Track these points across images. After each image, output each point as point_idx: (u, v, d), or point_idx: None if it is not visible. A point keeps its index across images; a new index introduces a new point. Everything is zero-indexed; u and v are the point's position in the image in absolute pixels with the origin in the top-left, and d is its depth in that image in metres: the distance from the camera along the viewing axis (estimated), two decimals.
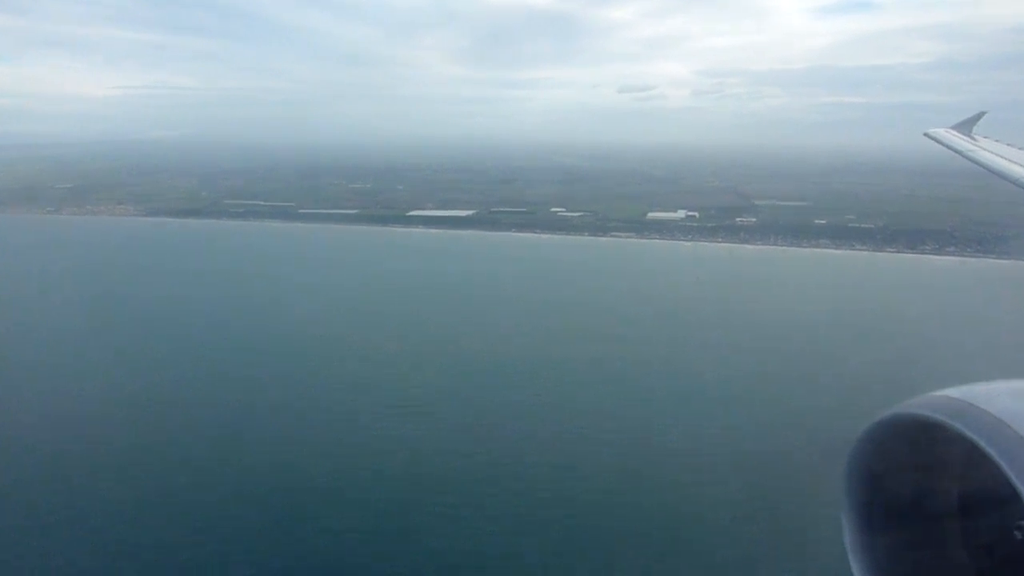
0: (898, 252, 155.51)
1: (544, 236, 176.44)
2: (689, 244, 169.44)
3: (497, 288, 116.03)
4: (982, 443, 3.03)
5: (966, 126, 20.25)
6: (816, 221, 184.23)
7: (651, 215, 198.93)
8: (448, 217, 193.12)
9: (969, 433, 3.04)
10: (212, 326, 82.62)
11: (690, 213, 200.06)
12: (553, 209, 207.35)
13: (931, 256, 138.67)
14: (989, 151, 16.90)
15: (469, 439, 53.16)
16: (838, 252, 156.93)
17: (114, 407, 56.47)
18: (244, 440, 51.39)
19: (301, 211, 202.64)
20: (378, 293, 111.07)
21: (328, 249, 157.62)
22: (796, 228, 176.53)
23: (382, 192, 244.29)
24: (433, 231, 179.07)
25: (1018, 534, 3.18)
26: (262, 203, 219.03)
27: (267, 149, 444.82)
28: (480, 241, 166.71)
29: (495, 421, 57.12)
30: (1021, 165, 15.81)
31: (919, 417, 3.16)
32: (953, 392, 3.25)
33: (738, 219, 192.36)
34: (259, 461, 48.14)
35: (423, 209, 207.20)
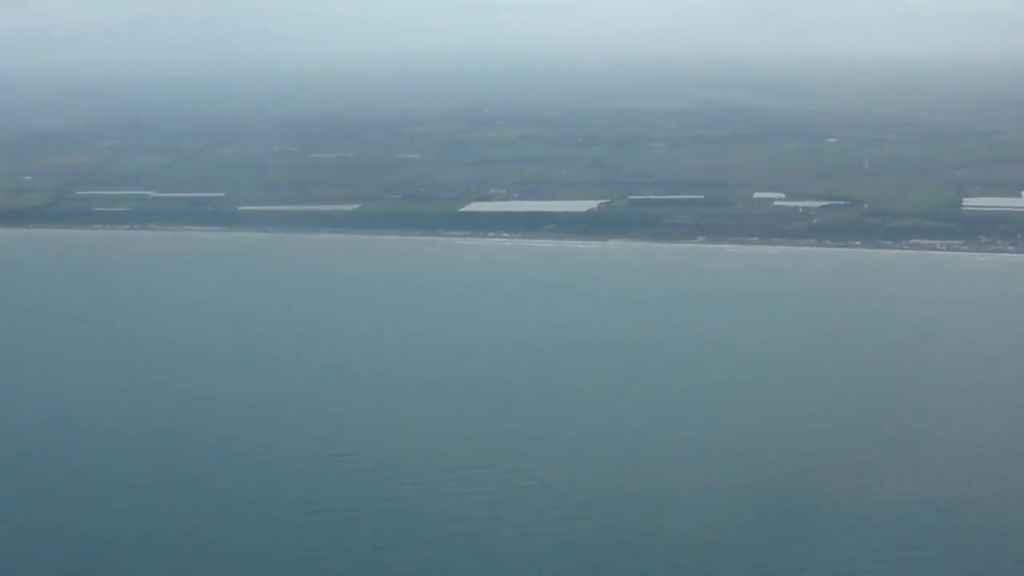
0: None
1: (776, 249, 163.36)
2: None
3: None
4: None
5: None
6: None
7: (970, 203, 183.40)
8: (549, 214, 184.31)
9: None
10: None
11: None
12: (759, 195, 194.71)
13: None
14: None
15: None
16: None
17: None
18: None
19: (244, 209, 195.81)
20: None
21: (366, 286, 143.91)
22: None
23: (384, 167, 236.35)
24: (537, 244, 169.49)
25: None
26: (153, 195, 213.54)
27: (96, 86, 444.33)
28: (653, 262, 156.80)
29: None
30: None
31: None
32: None
33: None
34: None
35: (488, 200, 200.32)
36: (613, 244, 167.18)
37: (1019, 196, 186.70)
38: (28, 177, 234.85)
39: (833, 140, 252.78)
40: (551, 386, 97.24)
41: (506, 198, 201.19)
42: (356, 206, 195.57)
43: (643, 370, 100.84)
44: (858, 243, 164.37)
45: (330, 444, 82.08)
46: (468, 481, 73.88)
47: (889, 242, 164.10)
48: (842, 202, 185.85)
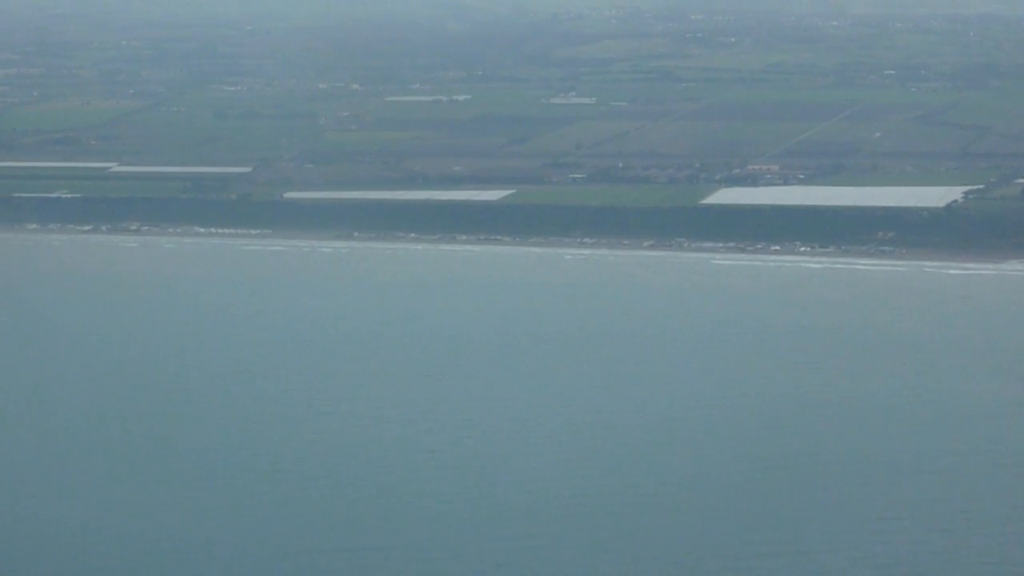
0: None
1: None
2: None
3: None
4: None
5: None
6: None
7: None
8: (876, 212, 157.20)
9: None
10: None
11: None
12: None
13: None
14: None
15: None
16: None
17: None
18: None
19: (293, 196, 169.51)
20: None
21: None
22: None
23: (531, 121, 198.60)
24: (871, 267, 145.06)
25: None
26: (118, 169, 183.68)
27: None
28: None
29: None
30: None
31: None
32: None
33: None
34: None
35: (748, 185, 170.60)
36: (1015, 268, 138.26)
37: None
38: None
39: None
40: None
41: (782, 180, 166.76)
42: (505, 192, 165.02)
43: None
44: None
45: None
46: None
47: None
48: None
